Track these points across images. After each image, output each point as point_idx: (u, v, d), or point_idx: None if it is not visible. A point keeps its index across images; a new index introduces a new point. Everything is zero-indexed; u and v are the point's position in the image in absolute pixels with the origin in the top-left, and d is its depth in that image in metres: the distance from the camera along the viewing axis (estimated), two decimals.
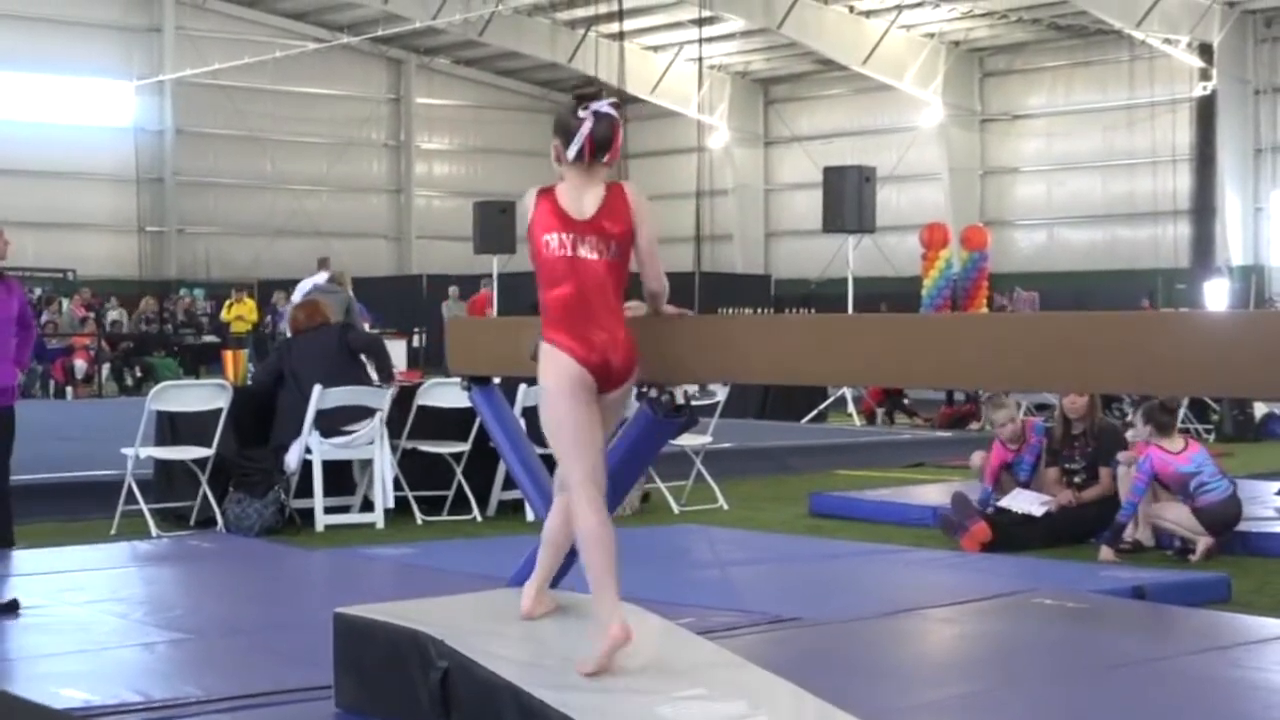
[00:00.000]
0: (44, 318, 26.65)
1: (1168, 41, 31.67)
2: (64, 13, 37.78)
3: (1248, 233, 33.00)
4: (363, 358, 10.84)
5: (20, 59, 37.00)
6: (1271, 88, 33.39)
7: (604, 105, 4.78)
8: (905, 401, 19.76)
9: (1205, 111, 32.17)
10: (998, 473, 10.07)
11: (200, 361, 29.03)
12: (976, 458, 10.52)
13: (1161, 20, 30.82)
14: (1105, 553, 8.96)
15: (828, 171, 21.22)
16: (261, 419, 10.52)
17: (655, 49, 39.61)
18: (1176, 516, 9.12)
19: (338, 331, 10.86)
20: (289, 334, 11.62)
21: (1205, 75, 31.91)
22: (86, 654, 6.26)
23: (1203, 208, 32.40)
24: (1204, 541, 8.97)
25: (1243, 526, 9.29)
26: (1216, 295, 30.12)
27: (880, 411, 19.61)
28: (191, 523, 10.11)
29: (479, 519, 10.53)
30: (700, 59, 35.53)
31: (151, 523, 9.84)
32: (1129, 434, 10.22)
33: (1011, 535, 9.40)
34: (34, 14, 37.07)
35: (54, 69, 37.79)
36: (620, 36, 34.86)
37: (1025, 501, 9.72)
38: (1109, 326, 3.87)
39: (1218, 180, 32.29)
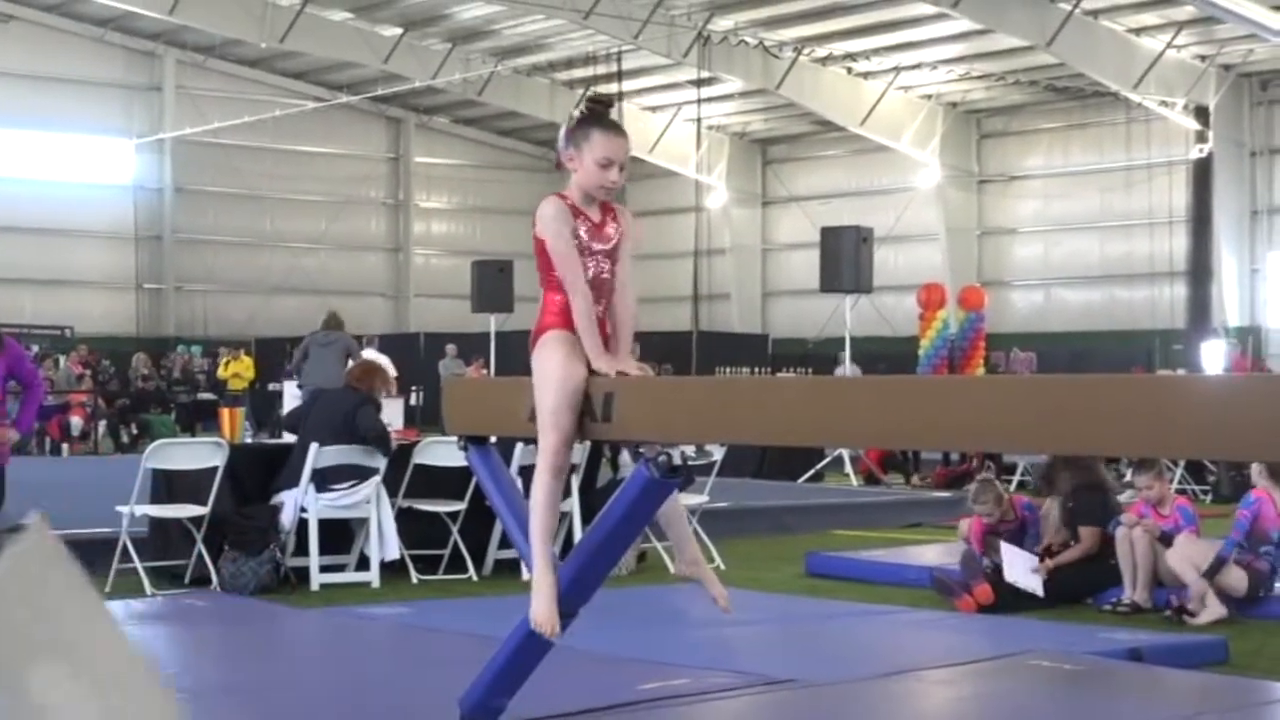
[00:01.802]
0: (40, 374, 26.59)
1: (1164, 104, 31.85)
2: (65, 71, 37.97)
3: (1244, 294, 33.10)
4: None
5: (21, 116, 37.16)
6: (1267, 150, 33.58)
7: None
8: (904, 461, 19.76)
9: (1201, 173, 32.30)
10: (983, 539, 10.02)
11: (196, 419, 29.00)
12: (964, 526, 10.51)
13: (1158, 83, 31.00)
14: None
15: (825, 231, 21.28)
16: (259, 476, 10.49)
17: (654, 109, 39.78)
18: (1236, 582, 8.92)
19: (353, 404, 10.59)
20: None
21: (1201, 137, 32.05)
22: None
23: (1199, 269, 32.48)
24: (1216, 611, 8.82)
25: None
26: (1213, 356, 30.12)
27: (890, 472, 19.59)
28: (186, 581, 10.05)
29: (475, 578, 10.49)
30: (699, 119, 35.72)
31: (146, 581, 9.77)
32: (1124, 495, 10.19)
33: (1011, 597, 9.36)
34: (35, 72, 37.28)
35: (54, 126, 37.96)
36: (619, 97, 35.01)
37: (1022, 573, 9.61)
38: (1106, 389, 3.86)
39: (1214, 242, 32.38)
